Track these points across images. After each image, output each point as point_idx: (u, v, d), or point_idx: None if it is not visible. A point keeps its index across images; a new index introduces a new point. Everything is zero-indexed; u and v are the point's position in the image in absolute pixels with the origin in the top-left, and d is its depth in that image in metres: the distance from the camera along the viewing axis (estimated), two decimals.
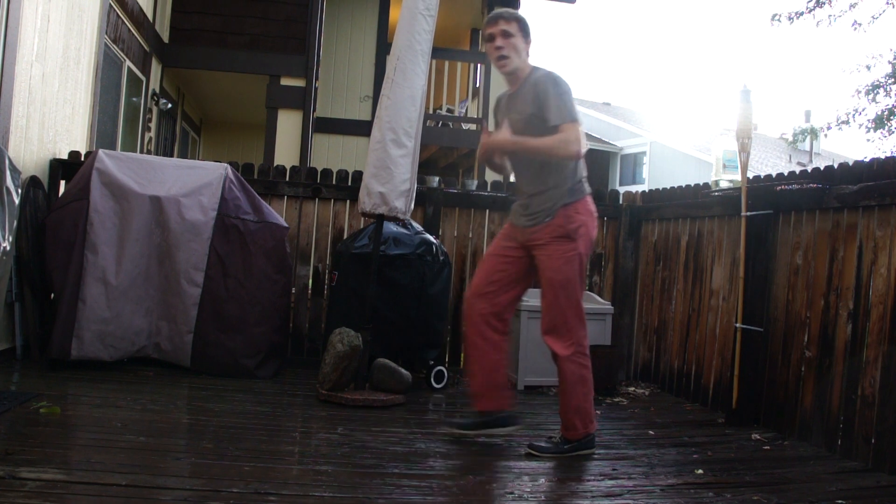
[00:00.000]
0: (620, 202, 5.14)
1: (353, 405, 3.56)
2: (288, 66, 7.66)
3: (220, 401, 3.49)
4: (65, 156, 4.57)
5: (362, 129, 8.70)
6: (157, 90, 7.44)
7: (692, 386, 4.28)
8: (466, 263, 4.90)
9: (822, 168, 3.48)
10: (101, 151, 4.08)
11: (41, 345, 3.92)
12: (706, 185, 4.32)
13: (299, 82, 7.66)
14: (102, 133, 5.65)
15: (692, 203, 4.46)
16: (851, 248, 3.17)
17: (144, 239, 3.99)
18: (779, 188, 3.60)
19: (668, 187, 4.89)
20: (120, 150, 6.12)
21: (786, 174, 3.71)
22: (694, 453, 3.09)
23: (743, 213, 3.68)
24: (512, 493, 2.50)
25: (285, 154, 7.54)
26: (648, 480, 2.67)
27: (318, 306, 4.74)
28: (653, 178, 23.38)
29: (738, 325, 3.65)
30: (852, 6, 12.80)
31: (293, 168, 4.84)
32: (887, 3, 12.66)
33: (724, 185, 3.96)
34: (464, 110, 10.66)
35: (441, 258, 4.23)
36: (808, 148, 26.91)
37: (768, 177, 3.84)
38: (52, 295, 3.98)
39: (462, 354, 4.87)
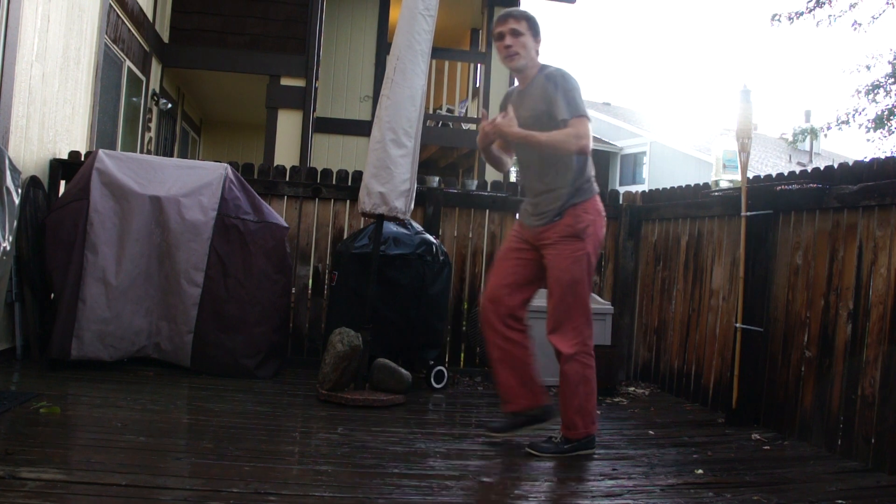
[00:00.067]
0: (620, 202, 5.14)
1: (353, 405, 3.56)
2: (288, 66, 7.66)
3: (220, 401, 3.49)
4: (65, 156, 4.57)
5: (362, 129, 8.70)
6: (157, 90, 7.44)
7: (692, 386, 4.28)
8: (466, 263, 4.90)
9: (822, 168, 3.48)
10: (101, 151, 4.08)
11: (41, 345, 3.92)
12: (706, 185, 4.32)
13: (299, 82, 7.66)
14: (102, 133, 5.65)
15: (692, 203, 4.46)
16: (851, 248, 3.17)
17: (144, 239, 3.99)
18: (779, 188, 3.60)
19: (668, 187, 4.89)
20: (120, 150, 6.12)
21: (786, 174, 3.71)
22: (694, 453, 3.09)
23: (743, 213, 3.68)
24: (512, 492, 2.50)
25: (285, 154, 7.54)
26: (648, 480, 2.67)
27: (318, 306, 4.74)
28: (653, 178, 23.40)
29: (738, 325, 3.65)
30: (852, 6, 12.81)
31: (293, 168, 4.83)
32: (887, 3, 12.67)
33: (724, 185, 3.96)
34: (464, 110, 10.67)
35: (441, 258, 4.23)
36: (808, 148, 26.94)
37: (768, 177, 3.84)
38: (52, 295, 3.98)
39: (462, 355, 4.89)
